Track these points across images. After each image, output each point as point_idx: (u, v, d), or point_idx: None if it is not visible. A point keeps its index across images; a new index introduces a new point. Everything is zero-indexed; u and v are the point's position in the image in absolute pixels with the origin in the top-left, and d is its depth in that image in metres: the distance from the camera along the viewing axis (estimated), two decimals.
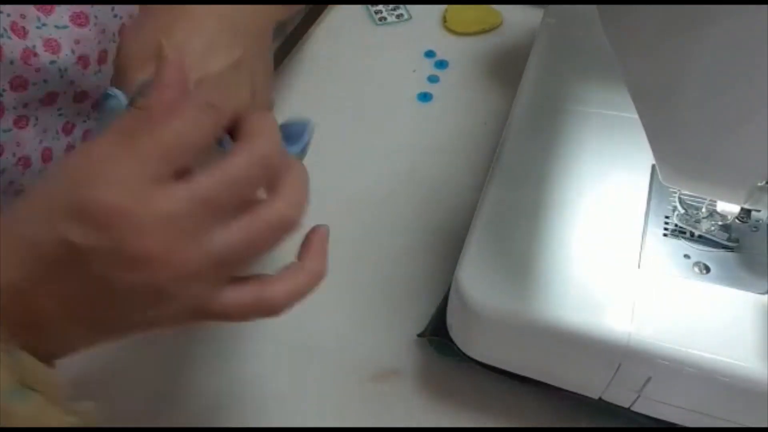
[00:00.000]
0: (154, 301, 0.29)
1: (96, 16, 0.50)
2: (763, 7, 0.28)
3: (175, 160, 0.29)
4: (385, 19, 0.74)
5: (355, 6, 0.76)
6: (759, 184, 0.36)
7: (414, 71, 0.68)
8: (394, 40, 0.72)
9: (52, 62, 0.47)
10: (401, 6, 0.75)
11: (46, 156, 0.50)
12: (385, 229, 0.55)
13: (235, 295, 0.31)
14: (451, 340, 0.43)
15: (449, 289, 0.42)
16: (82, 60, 0.49)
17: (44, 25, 0.47)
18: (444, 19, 0.73)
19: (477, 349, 0.42)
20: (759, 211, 0.42)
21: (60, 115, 0.50)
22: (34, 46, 0.46)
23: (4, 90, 0.45)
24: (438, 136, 0.62)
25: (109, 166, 0.29)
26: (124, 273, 0.28)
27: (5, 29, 0.45)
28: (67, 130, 0.51)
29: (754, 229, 0.42)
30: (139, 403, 0.45)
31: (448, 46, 0.70)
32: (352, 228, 0.55)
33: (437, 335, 0.45)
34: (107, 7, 0.50)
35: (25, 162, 0.48)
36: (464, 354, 0.43)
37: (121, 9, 0.51)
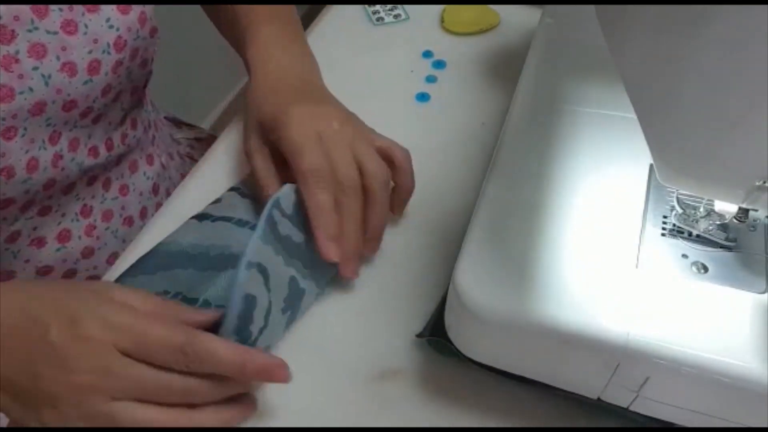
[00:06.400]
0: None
1: (86, 25, 0.49)
2: (762, 7, 0.28)
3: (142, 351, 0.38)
4: (382, 19, 0.74)
5: (352, 6, 0.76)
6: (757, 183, 0.36)
7: (412, 71, 0.68)
8: (391, 41, 0.72)
9: (35, 68, 0.47)
10: (399, 6, 0.75)
11: (32, 166, 0.49)
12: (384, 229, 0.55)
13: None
14: (449, 340, 0.43)
15: (447, 289, 0.42)
16: (68, 67, 0.48)
17: (36, 28, 0.46)
18: (442, 20, 0.73)
19: (475, 350, 0.42)
20: (757, 210, 0.42)
21: (48, 125, 0.49)
22: (17, 52, 0.45)
23: None
24: (436, 136, 0.62)
25: (110, 308, 0.39)
26: (56, 385, 0.37)
27: None
28: (54, 139, 0.50)
29: (752, 228, 0.42)
30: None
31: (446, 47, 0.70)
32: None
33: (436, 335, 0.45)
34: (100, 18, 0.49)
35: (9, 171, 0.48)
36: (463, 354, 0.43)
37: (117, 21, 0.51)
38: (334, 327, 0.49)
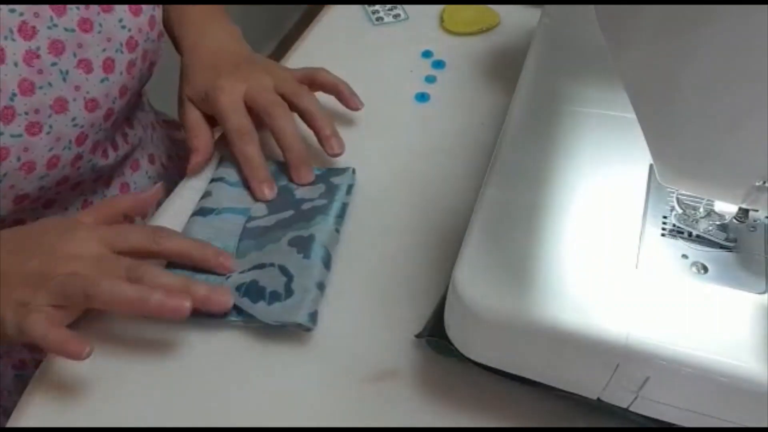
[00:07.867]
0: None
1: (101, 24, 0.50)
2: (762, 7, 0.28)
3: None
4: (382, 19, 0.74)
5: (352, 6, 0.76)
6: (757, 183, 0.36)
7: (411, 71, 0.68)
8: (391, 41, 0.72)
9: (53, 64, 0.48)
10: (398, 6, 0.75)
11: (52, 163, 0.50)
12: (383, 230, 0.55)
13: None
14: (449, 340, 0.43)
15: (447, 290, 0.42)
16: (83, 63, 0.50)
17: (55, 25, 0.48)
18: (441, 19, 0.73)
19: (474, 350, 0.42)
20: (757, 210, 0.42)
21: (75, 125, 0.50)
22: (38, 48, 0.47)
23: (15, 94, 0.46)
24: (435, 137, 0.62)
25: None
26: None
27: (11, 30, 0.46)
28: (80, 140, 0.52)
29: (752, 228, 0.42)
30: (138, 402, 0.45)
31: (446, 47, 0.70)
32: (350, 228, 0.55)
33: (435, 335, 0.45)
34: (114, 18, 0.51)
35: (30, 166, 0.49)
36: (462, 354, 0.43)
37: (129, 22, 0.52)
38: (333, 327, 0.49)
